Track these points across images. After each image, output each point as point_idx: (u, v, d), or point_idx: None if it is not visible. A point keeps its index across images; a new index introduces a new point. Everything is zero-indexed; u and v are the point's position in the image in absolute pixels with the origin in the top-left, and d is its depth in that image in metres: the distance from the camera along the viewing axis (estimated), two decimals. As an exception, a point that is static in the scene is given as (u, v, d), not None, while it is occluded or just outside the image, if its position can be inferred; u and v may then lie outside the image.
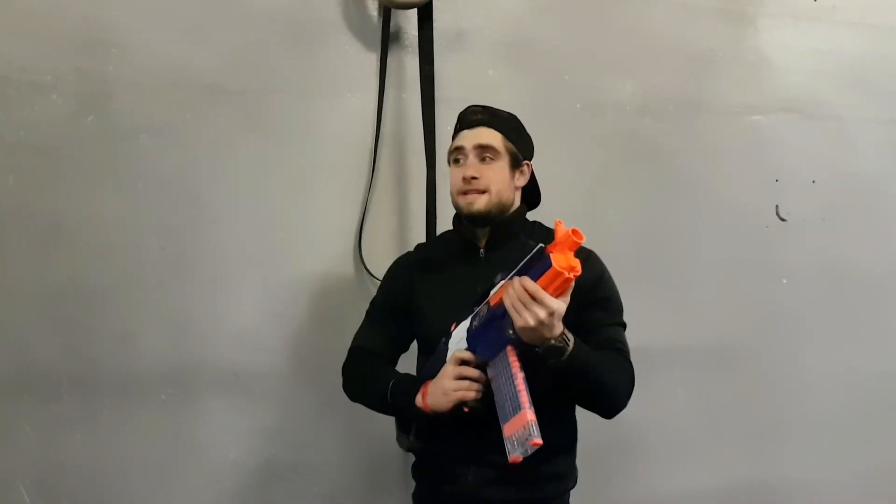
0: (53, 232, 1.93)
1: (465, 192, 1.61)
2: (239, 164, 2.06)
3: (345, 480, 2.13)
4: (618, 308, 1.61)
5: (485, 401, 1.42)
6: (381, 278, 2.08)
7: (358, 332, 1.77)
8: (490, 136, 1.62)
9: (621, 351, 1.54)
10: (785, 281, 2.55)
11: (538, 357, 1.37)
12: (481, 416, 1.44)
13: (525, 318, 1.29)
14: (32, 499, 1.90)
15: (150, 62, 1.99)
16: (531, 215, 1.73)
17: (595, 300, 1.55)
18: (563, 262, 1.26)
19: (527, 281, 1.29)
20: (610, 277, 1.62)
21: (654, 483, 2.44)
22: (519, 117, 1.71)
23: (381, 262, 2.12)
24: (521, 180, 1.66)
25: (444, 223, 2.10)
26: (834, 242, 2.58)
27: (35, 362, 1.92)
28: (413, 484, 1.74)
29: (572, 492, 1.65)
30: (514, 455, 1.28)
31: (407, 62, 2.19)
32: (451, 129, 2.16)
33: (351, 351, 1.76)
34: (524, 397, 1.30)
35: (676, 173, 2.44)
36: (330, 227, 2.14)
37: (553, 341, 1.34)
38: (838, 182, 2.59)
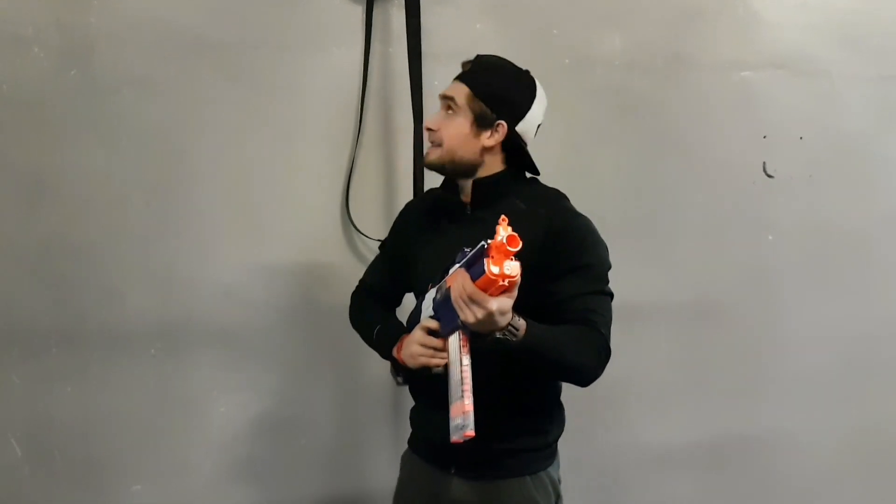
0: (37, 187, 1.98)
1: (431, 143, 1.67)
2: (224, 118, 2.10)
3: (334, 433, 2.23)
4: (598, 276, 1.58)
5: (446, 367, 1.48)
6: (367, 234, 2.18)
7: (369, 265, 1.90)
8: (456, 90, 1.62)
9: (590, 322, 1.52)
10: (770, 237, 2.64)
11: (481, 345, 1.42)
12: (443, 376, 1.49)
13: (466, 314, 1.33)
14: (24, 451, 1.97)
15: (132, 15, 2.01)
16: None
17: (573, 268, 1.55)
18: (498, 269, 1.27)
19: (466, 281, 1.31)
20: (595, 243, 1.60)
21: (638, 435, 2.55)
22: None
23: (368, 217, 2.21)
24: (492, 140, 1.62)
25: (431, 180, 2.16)
26: (820, 200, 2.66)
27: (22, 317, 1.97)
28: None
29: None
30: (454, 437, 1.35)
31: (393, 15, 2.22)
32: (437, 83, 2.23)
33: (360, 282, 1.89)
34: (466, 386, 1.36)
35: (664, 129, 2.50)
36: (317, 183, 2.19)
37: (498, 334, 1.37)
38: (826, 139, 2.66)
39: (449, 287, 1.41)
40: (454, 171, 1.66)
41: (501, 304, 1.31)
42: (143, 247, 2.05)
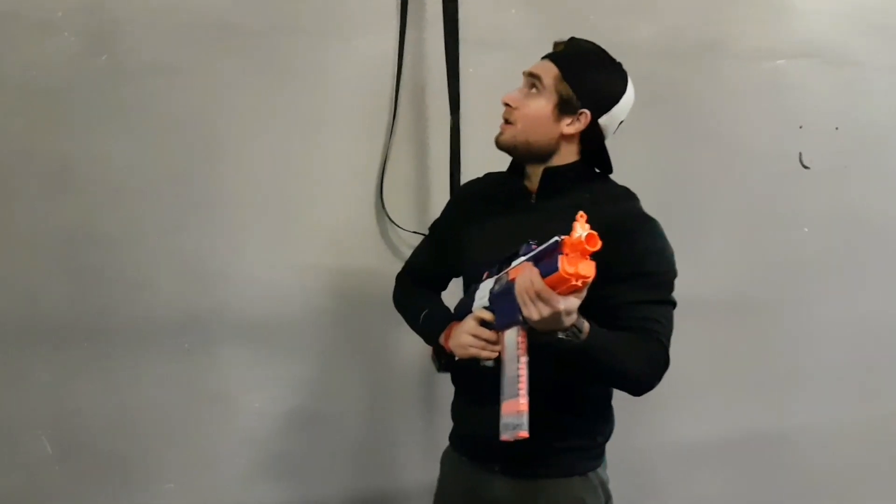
0: (64, 176, 1.91)
1: (504, 121, 1.59)
2: (254, 106, 2.04)
3: (368, 428, 2.17)
4: (662, 284, 1.51)
5: (500, 360, 1.43)
6: (402, 225, 2.12)
7: (415, 248, 1.87)
8: (544, 69, 1.54)
9: (652, 332, 1.47)
10: (806, 230, 2.60)
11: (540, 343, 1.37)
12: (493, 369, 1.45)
13: (530, 311, 1.27)
14: (54, 449, 1.91)
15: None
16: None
17: (636, 273, 1.47)
18: (572, 268, 1.21)
19: (536, 276, 1.25)
20: (661, 249, 1.52)
21: (671, 432, 2.50)
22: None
23: (402, 209, 2.16)
24: (572, 128, 1.53)
25: (469, 168, 2.12)
26: (856, 191, 2.63)
27: (49, 311, 1.91)
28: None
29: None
30: (504, 435, 1.31)
31: (427, 0, 2.17)
32: (472, 70, 2.19)
33: (406, 265, 1.85)
34: (523, 384, 1.31)
35: (697, 118, 2.47)
36: (350, 174, 2.13)
37: (561, 335, 1.32)
38: (861, 129, 2.63)
39: (512, 280, 1.35)
40: (525, 154, 1.58)
41: (569, 305, 1.26)
42: (172, 238, 1.99)
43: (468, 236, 1.67)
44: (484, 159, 2.06)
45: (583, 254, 1.20)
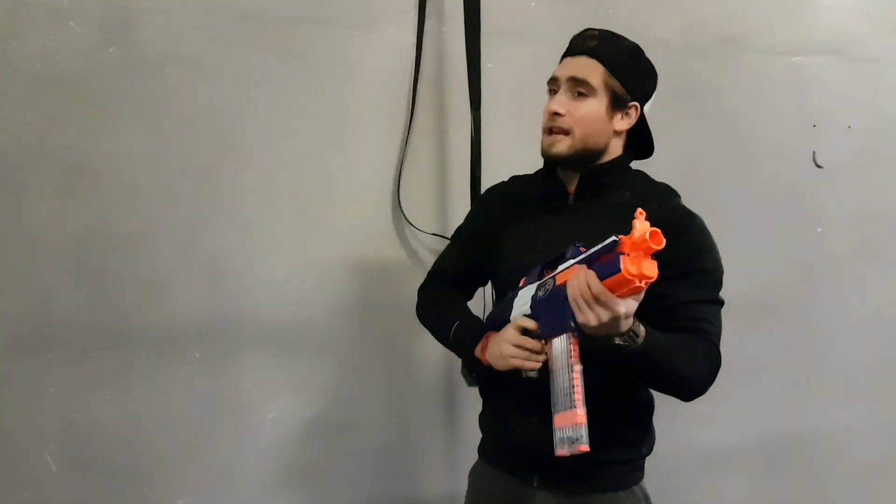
0: (76, 174, 1.83)
1: (549, 131, 1.49)
2: (272, 101, 1.98)
3: (387, 437, 2.11)
4: (713, 283, 1.47)
5: (544, 370, 1.37)
6: (419, 227, 2.06)
7: (440, 256, 1.76)
8: (588, 68, 1.46)
9: (705, 333, 1.43)
10: (819, 230, 2.58)
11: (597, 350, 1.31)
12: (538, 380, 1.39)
13: (587, 316, 1.21)
14: (58, 465, 1.83)
15: (176, -13, 1.88)
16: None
17: (688, 272, 1.42)
18: (635, 268, 1.15)
19: (592, 279, 1.19)
20: (711, 246, 1.48)
21: (689, 435, 2.47)
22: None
23: (420, 210, 2.10)
24: (624, 124, 1.50)
25: (491, 167, 2.06)
26: (868, 190, 2.61)
27: (59, 317, 1.83)
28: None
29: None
30: (561, 450, 1.26)
31: (447, -9, 2.11)
32: (491, 65, 2.14)
33: (429, 274, 1.73)
34: (578, 394, 1.25)
35: (717, 114, 2.43)
36: (369, 172, 2.07)
37: (617, 340, 1.26)
38: (873, 128, 2.60)
39: (561, 284, 1.29)
40: (582, 160, 1.50)
41: (629, 308, 1.21)
42: (188, 239, 1.92)
43: (501, 241, 1.59)
44: (506, 157, 2.04)
45: (646, 252, 1.14)
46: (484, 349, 1.47)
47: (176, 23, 1.87)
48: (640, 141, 1.56)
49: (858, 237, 2.60)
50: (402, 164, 2.07)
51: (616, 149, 1.53)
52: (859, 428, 2.60)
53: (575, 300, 1.23)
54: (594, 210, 1.49)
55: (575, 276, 1.24)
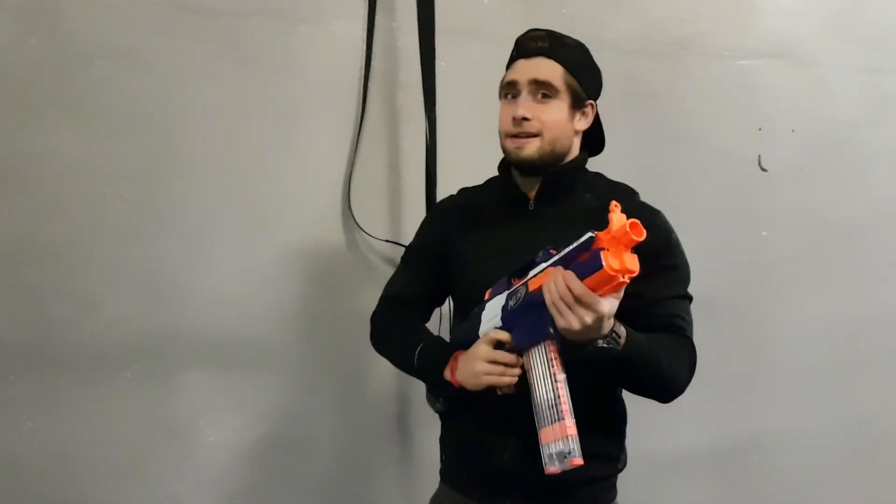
0: (-4, 178, 1.65)
1: (514, 136, 1.44)
2: (214, 98, 1.84)
3: (340, 457, 1.98)
4: (684, 278, 1.46)
5: (521, 385, 1.29)
6: (371, 233, 1.95)
7: (391, 279, 1.65)
8: (549, 70, 1.42)
9: (681, 329, 1.41)
10: (765, 233, 2.58)
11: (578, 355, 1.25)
12: (513, 397, 1.32)
13: (568, 320, 1.14)
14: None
15: (106, -27, 1.72)
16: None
17: (660, 269, 1.39)
18: (618, 263, 1.09)
19: (572, 280, 1.13)
20: (678, 242, 1.46)
21: (641, 441, 2.42)
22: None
23: (373, 215, 1.99)
24: (583, 123, 1.48)
25: (445, 171, 1.97)
26: (811, 194, 2.62)
27: (-25, 336, 1.65)
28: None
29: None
30: (552, 467, 1.19)
31: (398, -15, 2.00)
32: (444, 64, 2.04)
33: (382, 299, 1.62)
34: (565, 405, 1.19)
35: (668, 117, 2.39)
36: (317, 176, 1.95)
37: (600, 342, 1.22)
38: (816, 131, 2.62)
39: (535, 290, 1.22)
40: (549, 163, 1.45)
41: (612, 307, 1.15)
42: (121, 248, 1.76)
43: (460, 255, 1.52)
44: (461, 160, 1.96)
45: (627, 245, 1.09)
46: (453, 370, 1.37)
47: (107, 12, 1.71)
48: (590, 139, 1.54)
49: (802, 240, 2.61)
50: (352, 167, 1.96)
51: (575, 150, 1.50)
52: (809, 429, 2.61)
53: (554, 304, 1.16)
54: (556, 215, 1.45)
55: (551, 279, 1.17)
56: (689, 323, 1.43)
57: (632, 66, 2.31)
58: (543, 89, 1.42)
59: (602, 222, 1.21)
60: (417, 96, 1.99)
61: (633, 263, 1.10)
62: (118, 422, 1.77)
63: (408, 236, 1.97)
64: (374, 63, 1.97)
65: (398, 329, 1.55)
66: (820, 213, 2.63)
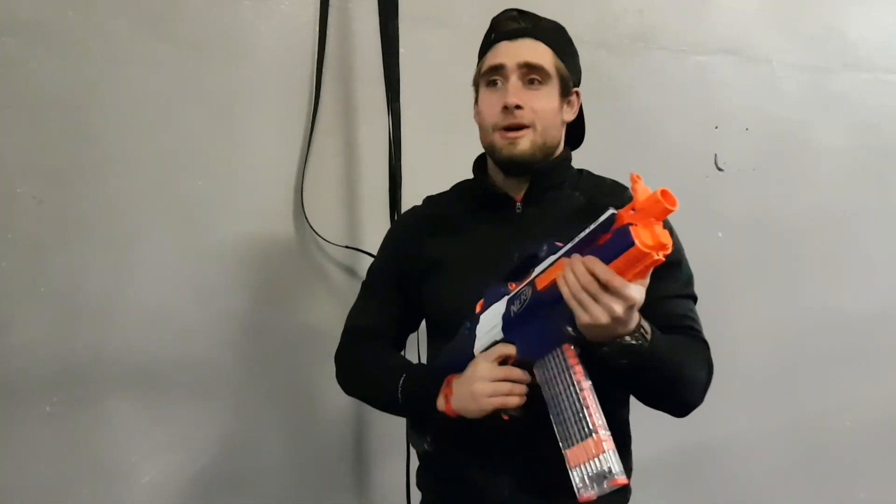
0: None
1: (506, 128, 1.26)
2: (141, 83, 1.59)
3: (289, 491, 1.75)
4: (688, 276, 1.32)
5: (529, 405, 1.13)
6: (327, 238, 1.73)
7: (353, 308, 1.42)
8: (539, 53, 1.26)
9: (694, 331, 1.26)
10: (720, 234, 2.49)
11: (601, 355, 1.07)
12: (521, 421, 1.14)
13: (594, 313, 0.97)
14: None
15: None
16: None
17: (664, 266, 1.25)
18: (650, 237, 0.93)
19: (596, 264, 0.96)
20: (677, 239, 1.30)
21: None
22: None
23: (327, 217, 1.79)
24: (570, 114, 1.32)
25: (413, 169, 1.78)
26: (766, 193, 2.56)
27: None
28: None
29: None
30: (589, 492, 1.01)
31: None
32: (404, 50, 1.84)
33: (346, 332, 1.40)
34: (594, 416, 1.01)
35: (627, 112, 2.27)
36: (262, 172, 1.72)
37: (628, 338, 1.04)
38: (769, 130, 2.56)
39: (544, 289, 1.04)
40: (540, 159, 1.28)
41: (641, 294, 0.99)
42: (34, 259, 1.49)
43: (437, 270, 1.32)
44: (423, 157, 1.78)
45: (658, 217, 0.92)
46: (448, 398, 1.17)
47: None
48: (569, 131, 1.38)
49: (757, 241, 2.54)
50: (305, 163, 1.73)
51: (561, 143, 1.33)
52: (756, 432, 2.54)
53: (575, 296, 0.98)
54: (544, 216, 1.29)
55: (568, 268, 0.99)
56: (699, 323, 1.29)
57: (591, 59, 2.15)
58: (534, 73, 1.25)
59: (588, 221, 1.08)
60: (376, 86, 1.78)
61: (666, 237, 0.93)
62: (37, 463, 1.50)
63: (367, 241, 1.77)
64: (327, 47, 1.75)
65: (372, 362, 1.33)
66: (774, 213, 2.56)
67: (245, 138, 1.68)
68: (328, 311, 1.74)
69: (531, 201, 1.31)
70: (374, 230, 1.74)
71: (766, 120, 2.55)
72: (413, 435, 1.33)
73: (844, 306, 2.69)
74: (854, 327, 2.70)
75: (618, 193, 1.33)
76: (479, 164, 1.38)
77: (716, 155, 2.47)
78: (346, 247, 1.77)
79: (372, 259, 1.74)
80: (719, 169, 2.48)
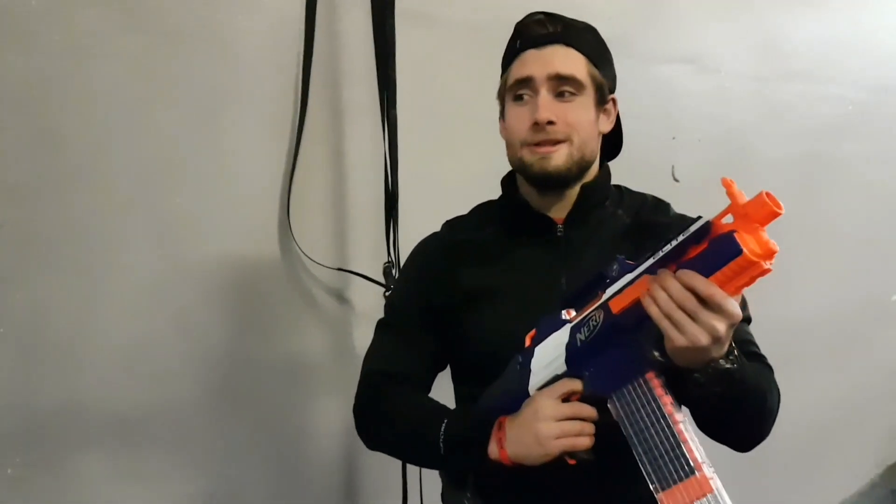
0: None
1: (536, 144, 1.15)
2: (112, 80, 1.36)
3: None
4: (743, 296, 1.25)
5: (596, 447, 1.01)
6: (315, 259, 1.56)
7: (374, 349, 1.26)
8: (571, 61, 1.15)
9: (762, 357, 1.16)
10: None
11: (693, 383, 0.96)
12: (590, 465, 1.02)
13: (692, 334, 0.86)
14: None
15: None
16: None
17: None
18: (756, 244, 0.83)
19: (694, 277, 0.85)
20: None
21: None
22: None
23: (314, 236, 1.60)
24: (607, 124, 1.22)
25: (410, 180, 1.62)
26: (714, 204, 2.55)
27: None
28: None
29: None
30: None
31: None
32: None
33: (368, 378, 1.23)
34: (695, 452, 0.90)
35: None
36: (246, 184, 1.52)
37: (722, 362, 0.93)
38: (720, 140, 2.56)
39: (622, 311, 0.93)
40: (577, 175, 1.17)
41: (738, 310, 0.87)
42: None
43: (472, 303, 1.18)
44: (416, 170, 1.62)
45: (763, 222, 0.83)
46: (501, 443, 1.03)
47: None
48: (612, 140, 1.29)
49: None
50: (292, 175, 1.54)
51: (597, 157, 1.23)
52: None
53: (671, 315, 0.86)
54: (590, 238, 1.19)
55: (656, 286, 0.87)
56: (759, 348, 1.19)
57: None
58: (566, 85, 1.14)
59: (638, 242, 1.11)
60: (367, 90, 1.61)
61: (773, 244, 0.83)
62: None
63: (356, 261, 1.61)
64: (316, 47, 1.56)
65: (406, 411, 1.16)
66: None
67: (227, 144, 1.48)
68: (317, 342, 1.57)
69: (574, 222, 1.19)
70: (366, 250, 1.60)
71: (716, 130, 2.55)
72: (450, 491, 1.19)
73: (774, 312, 2.73)
74: (783, 332, 2.75)
75: (662, 210, 1.26)
76: (509, 183, 1.26)
77: (673, 166, 2.44)
78: (338, 269, 1.59)
79: (369, 283, 1.59)
80: (676, 180, 2.46)
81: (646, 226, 1.21)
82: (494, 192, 1.70)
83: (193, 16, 1.43)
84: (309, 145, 1.57)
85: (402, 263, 1.55)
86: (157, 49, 1.39)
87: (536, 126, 1.13)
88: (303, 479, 1.59)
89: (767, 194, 0.81)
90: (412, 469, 1.58)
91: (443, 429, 1.07)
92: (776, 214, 0.81)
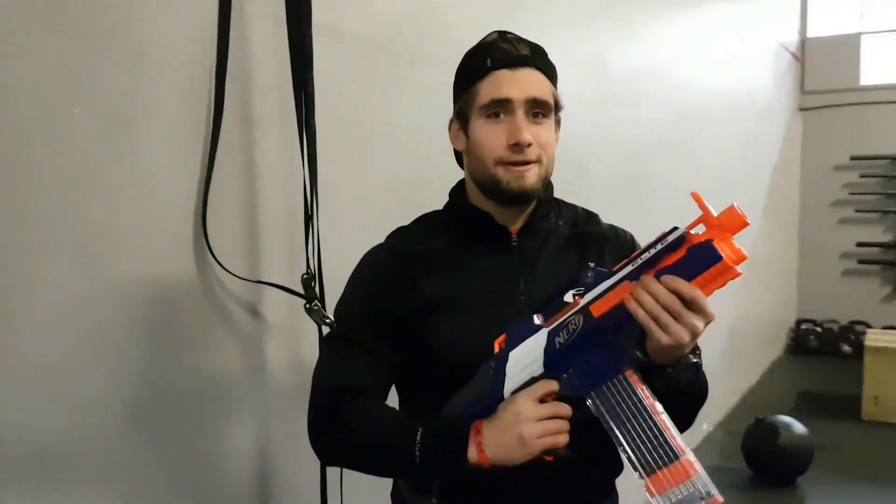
0: None
1: (512, 163, 1.19)
2: (27, 84, 1.21)
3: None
4: None
5: (571, 445, 1.09)
6: (232, 271, 1.50)
7: (326, 364, 1.25)
8: (544, 86, 1.22)
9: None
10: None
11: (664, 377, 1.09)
12: (566, 461, 1.10)
13: (676, 333, 0.97)
14: None
15: None
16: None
17: None
18: (730, 251, 0.96)
19: (678, 282, 0.97)
20: None
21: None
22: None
23: (230, 248, 1.54)
24: (557, 143, 1.28)
25: (329, 187, 1.60)
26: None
27: None
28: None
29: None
30: None
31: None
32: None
33: (322, 394, 1.21)
34: (678, 440, 1.02)
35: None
36: (160, 193, 1.42)
37: (690, 356, 1.07)
38: (564, 161, 2.71)
39: (602, 315, 1.03)
40: (542, 191, 1.24)
41: (713, 311, 1.02)
42: None
43: (445, 309, 1.22)
44: (327, 178, 1.62)
45: (733, 231, 0.97)
46: (480, 447, 1.08)
47: None
48: None
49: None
50: (208, 184, 1.46)
51: None
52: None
53: (657, 317, 0.97)
54: (542, 248, 1.28)
55: (640, 290, 0.99)
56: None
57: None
58: (538, 108, 1.21)
59: (580, 250, 1.26)
60: (281, 99, 1.57)
61: (742, 251, 0.97)
62: None
63: (270, 273, 1.56)
64: (230, 54, 1.49)
65: (369, 422, 1.17)
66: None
67: (142, 151, 1.37)
68: (231, 359, 1.51)
69: (527, 232, 1.27)
70: (277, 261, 1.58)
71: (563, 151, 2.72)
72: (411, 495, 1.21)
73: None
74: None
75: (594, 221, 1.36)
76: (459, 194, 1.30)
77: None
78: (258, 282, 1.53)
79: (281, 296, 1.55)
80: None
81: (584, 236, 1.32)
82: (401, 201, 1.74)
83: (112, 16, 1.32)
84: (222, 154, 1.49)
85: (322, 274, 1.54)
86: (73, 49, 1.26)
87: (516, 147, 1.18)
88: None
89: (737, 207, 0.95)
90: (332, 487, 1.55)
91: (418, 437, 1.09)
92: (745, 224, 0.95)
